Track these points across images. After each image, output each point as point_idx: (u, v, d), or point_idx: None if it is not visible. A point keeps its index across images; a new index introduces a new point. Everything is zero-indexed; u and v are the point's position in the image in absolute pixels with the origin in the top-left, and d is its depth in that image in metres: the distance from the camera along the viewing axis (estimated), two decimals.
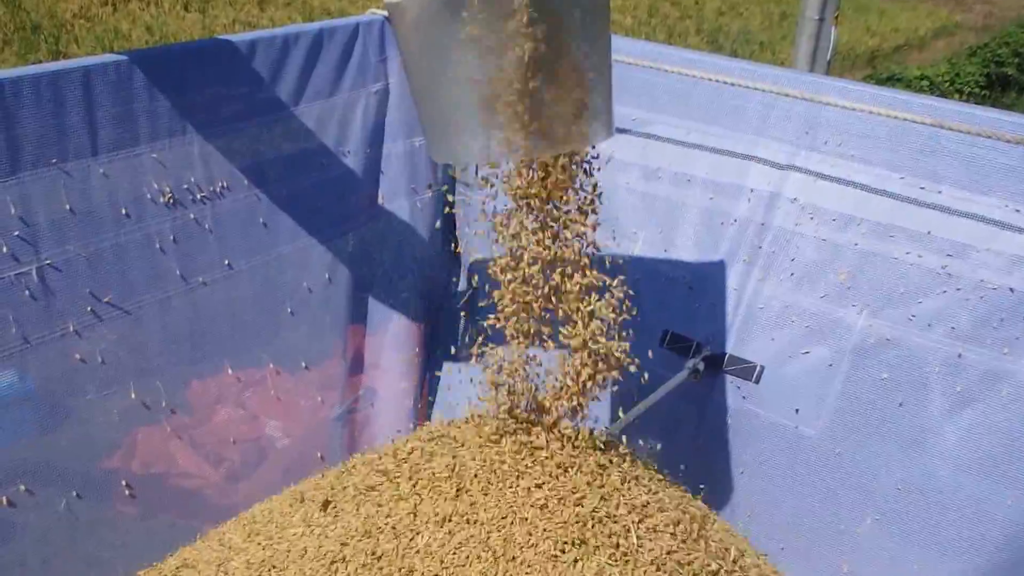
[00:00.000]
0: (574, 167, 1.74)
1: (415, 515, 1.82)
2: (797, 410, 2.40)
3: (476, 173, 2.14)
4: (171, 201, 2.19)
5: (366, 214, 2.72)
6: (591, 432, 2.05)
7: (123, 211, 2.10)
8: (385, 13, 2.58)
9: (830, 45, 7.01)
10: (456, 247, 2.95)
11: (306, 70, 2.46)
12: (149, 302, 2.20)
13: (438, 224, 2.89)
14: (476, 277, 1.97)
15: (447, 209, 2.90)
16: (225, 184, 2.30)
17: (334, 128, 2.57)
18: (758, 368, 2.44)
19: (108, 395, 2.16)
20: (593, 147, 1.74)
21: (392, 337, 2.88)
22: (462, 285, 2.95)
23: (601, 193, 1.87)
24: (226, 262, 2.35)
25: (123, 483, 2.22)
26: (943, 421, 2.21)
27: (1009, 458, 2.14)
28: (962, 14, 20.81)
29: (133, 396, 2.20)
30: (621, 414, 2.23)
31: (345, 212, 2.65)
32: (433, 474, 1.90)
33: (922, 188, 2.27)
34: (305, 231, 2.53)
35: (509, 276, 1.89)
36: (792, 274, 2.41)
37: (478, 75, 1.40)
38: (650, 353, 2.15)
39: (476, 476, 1.87)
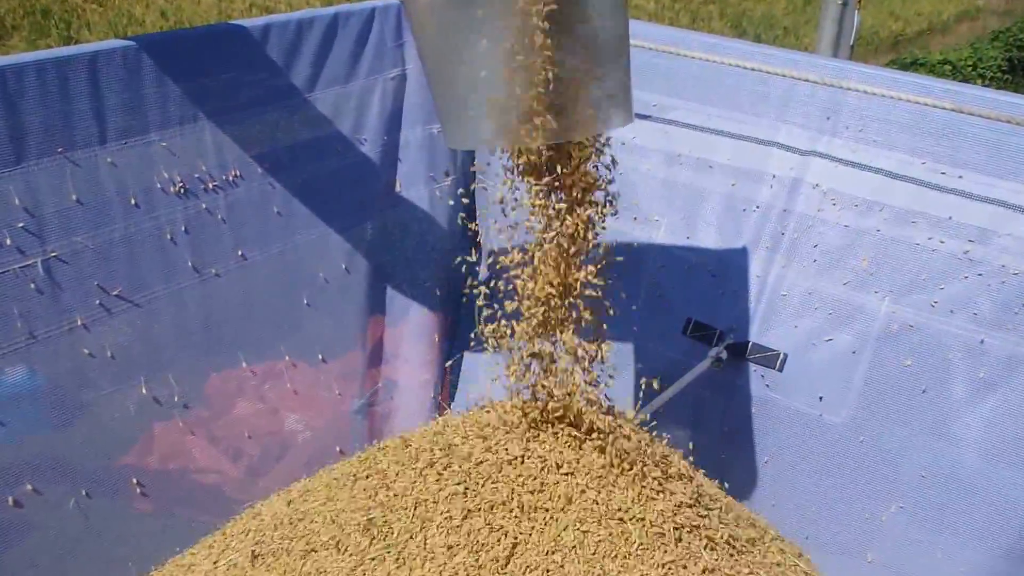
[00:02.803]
0: (589, 152, 1.73)
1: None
2: (821, 398, 2.39)
3: (499, 157, 2.14)
4: (182, 191, 2.18)
5: (384, 202, 2.71)
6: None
7: (132, 201, 2.08)
8: None
9: (853, 29, 6.96)
10: (477, 235, 2.94)
11: (321, 56, 2.44)
12: (160, 295, 2.18)
13: (460, 216, 2.88)
14: (496, 265, 1.96)
15: (466, 199, 2.90)
16: (239, 173, 2.29)
17: (350, 115, 2.56)
18: (781, 356, 2.43)
19: (119, 390, 2.13)
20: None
21: (412, 327, 2.87)
22: (483, 274, 2.95)
23: (612, 180, 1.85)
24: (240, 252, 2.34)
25: (137, 480, 2.19)
26: (966, 407, 2.20)
27: None
28: None
29: (144, 391, 2.17)
30: (644, 403, 2.23)
31: (362, 200, 2.64)
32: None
33: (943, 173, 2.25)
34: (322, 220, 2.52)
35: (527, 260, 1.87)
36: (815, 260, 2.40)
37: (493, 60, 1.39)
38: (670, 343, 2.14)
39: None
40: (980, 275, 2.19)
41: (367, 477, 1.98)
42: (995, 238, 2.18)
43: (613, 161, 1.77)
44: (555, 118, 1.41)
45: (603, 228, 1.82)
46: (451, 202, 2.85)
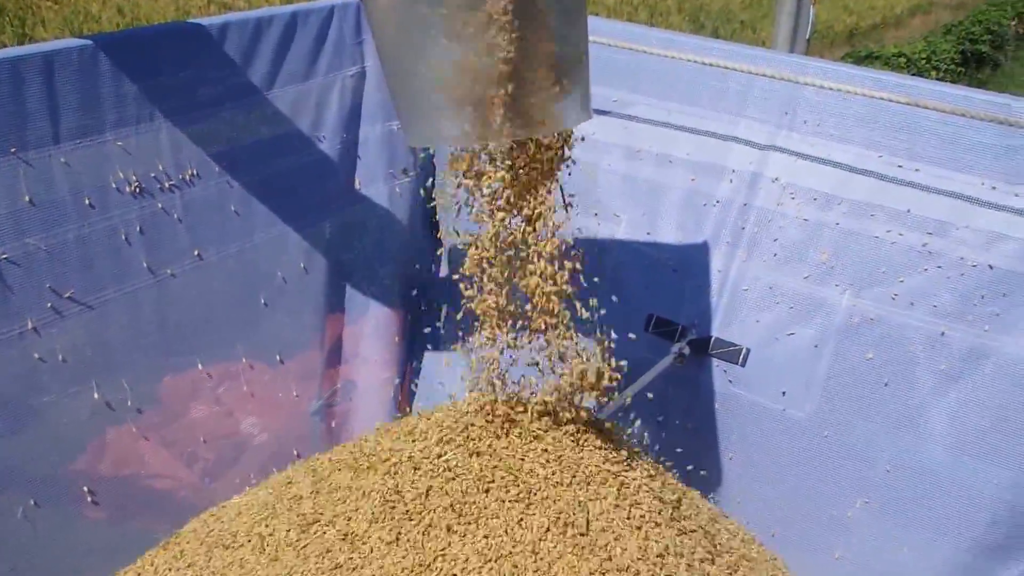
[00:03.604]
0: (550, 151, 1.72)
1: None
2: (784, 392, 2.39)
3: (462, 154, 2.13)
4: (138, 190, 2.14)
5: (343, 200, 2.68)
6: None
7: (86, 201, 2.04)
8: None
9: (809, 23, 7.03)
10: (438, 232, 2.92)
11: (280, 53, 2.41)
12: (114, 296, 2.13)
13: (431, 204, 2.84)
14: (459, 262, 1.95)
15: (427, 196, 2.87)
16: (195, 172, 2.26)
17: (309, 112, 2.53)
18: (744, 351, 2.44)
19: (71, 395, 2.08)
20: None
21: (372, 326, 2.84)
22: (444, 271, 2.93)
23: (570, 173, 1.85)
24: (196, 252, 2.30)
25: (88, 487, 2.15)
26: (929, 400, 2.22)
27: (995, 436, 2.15)
28: None
29: (97, 396, 2.13)
30: (608, 400, 2.23)
31: (321, 198, 2.61)
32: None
33: (900, 167, 2.27)
34: (279, 218, 2.49)
35: (483, 256, 1.87)
36: (775, 255, 2.40)
37: (453, 57, 1.37)
38: (632, 336, 2.14)
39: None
40: (939, 267, 2.21)
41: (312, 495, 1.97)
42: (953, 230, 2.20)
43: (571, 160, 1.76)
44: (515, 116, 1.40)
45: (561, 226, 1.81)
46: (411, 199, 2.83)
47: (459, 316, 2.00)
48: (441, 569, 1.70)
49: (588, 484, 1.86)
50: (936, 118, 2.22)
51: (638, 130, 2.59)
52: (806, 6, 7.14)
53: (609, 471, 1.92)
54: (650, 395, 2.31)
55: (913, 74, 11.30)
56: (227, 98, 2.31)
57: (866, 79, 2.31)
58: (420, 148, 2.82)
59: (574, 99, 1.49)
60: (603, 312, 1.99)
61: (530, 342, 1.96)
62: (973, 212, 2.19)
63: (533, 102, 1.41)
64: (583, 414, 2.01)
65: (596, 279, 1.98)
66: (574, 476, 1.87)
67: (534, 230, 1.81)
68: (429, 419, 2.04)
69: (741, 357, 2.44)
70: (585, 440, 1.98)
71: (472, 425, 1.96)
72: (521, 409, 1.99)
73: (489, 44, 1.35)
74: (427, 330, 2.91)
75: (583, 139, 1.92)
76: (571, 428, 1.97)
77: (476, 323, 1.97)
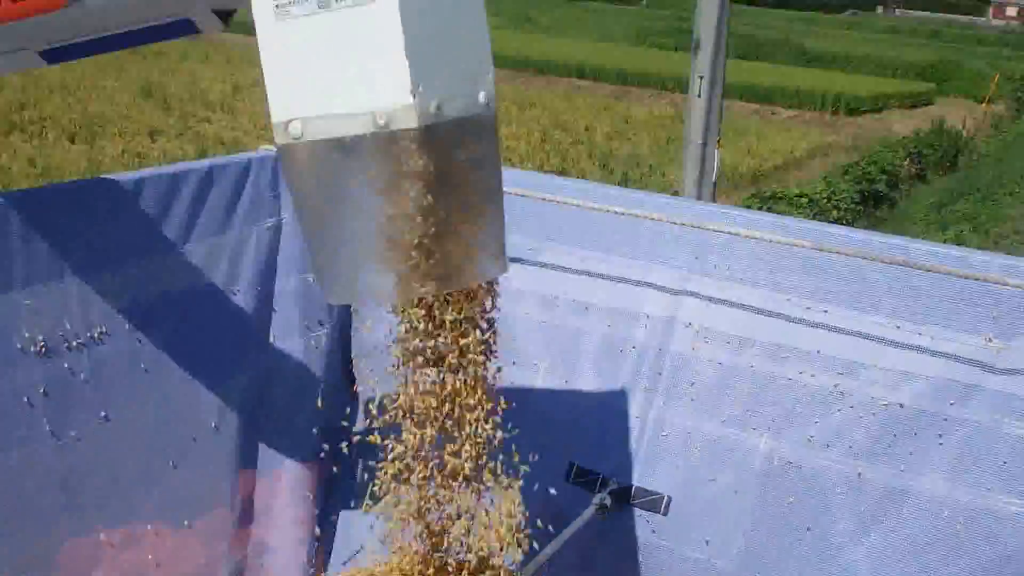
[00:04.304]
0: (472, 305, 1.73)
1: None
2: (707, 541, 2.37)
3: (374, 309, 2.13)
4: (43, 350, 2.07)
5: (258, 354, 2.64)
6: None
7: None
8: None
9: (715, 167, 7.34)
10: (354, 384, 2.88)
11: (196, 207, 2.40)
12: (13, 461, 2.03)
13: (345, 361, 2.82)
14: (375, 415, 1.92)
15: (344, 348, 2.85)
16: (104, 329, 2.20)
17: (224, 265, 2.51)
18: (665, 499, 2.42)
19: None
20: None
21: (285, 483, 2.75)
22: (360, 425, 2.87)
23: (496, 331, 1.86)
24: (103, 413, 2.22)
25: None
26: (851, 543, 2.22)
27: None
28: (833, 135, 22.20)
29: None
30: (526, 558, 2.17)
31: (235, 353, 2.57)
32: None
33: (809, 308, 2.33)
34: (191, 375, 2.43)
35: (403, 409, 1.85)
36: (692, 399, 2.43)
37: (371, 214, 1.39)
38: (553, 491, 2.11)
39: None
40: (852, 408, 2.25)
41: None
42: (863, 370, 2.26)
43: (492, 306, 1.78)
44: (435, 270, 1.41)
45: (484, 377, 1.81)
46: (327, 351, 2.80)
47: (378, 471, 1.95)
48: None
49: None
50: (840, 260, 2.30)
51: (553, 278, 2.63)
52: (711, 151, 7.49)
53: None
54: (572, 551, 2.27)
55: (815, 213, 11.83)
56: (140, 253, 2.28)
57: (771, 225, 2.39)
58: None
59: (492, 250, 1.52)
60: (524, 463, 1.97)
61: (452, 497, 1.92)
62: (881, 351, 2.25)
63: (453, 255, 1.43)
64: (503, 574, 1.96)
65: (516, 429, 1.97)
66: None
67: (456, 381, 1.80)
68: None
69: (663, 506, 2.42)
70: None
71: None
72: (443, 569, 1.93)
73: (408, 199, 1.37)
74: (344, 486, 2.83)
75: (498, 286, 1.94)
76: None
77: (396, 478, 1.92)
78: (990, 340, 2.15)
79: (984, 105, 27.76)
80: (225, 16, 1.64)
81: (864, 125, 24.50)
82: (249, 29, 1.39)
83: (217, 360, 2.51)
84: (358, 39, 1.33)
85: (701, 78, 8.23)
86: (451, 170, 1.41)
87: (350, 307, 2.87)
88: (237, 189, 2.53)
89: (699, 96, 8.28)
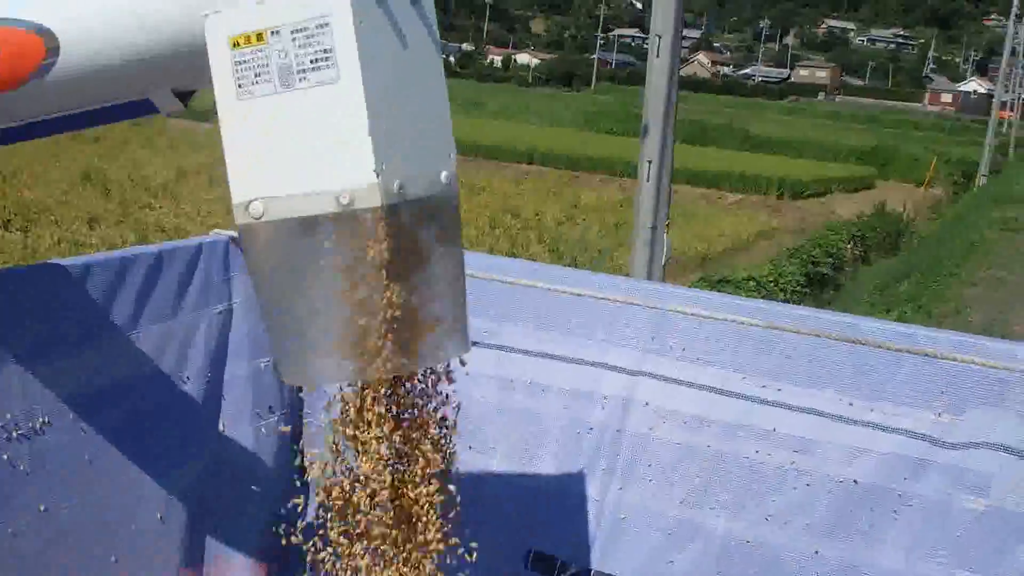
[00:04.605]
0: (427, 385, 1.74)
1: None
2: None
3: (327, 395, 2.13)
4: None
5: (207, 443, 2.60)
6: None
7: None
8: (231, 233, 2.59)
9: (664, 251, 7.46)
10: (305, 473, 2.85)
11: (144, 293, 2.38)
12: None
13: (293, 448, 2.78)
14: (326, 505, 1.90)
15: (295, 437, 2.82)
16: (47, 419, 2.15)
17: (173, 352, 2.48)
18: None
19: None
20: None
21: None
22: (311, 515, 2.83)
23: (458, 411, 1.87)
24: (42, 507, 2.15)
25: None
26: None
27: None
28: (778, 218, 22.78)
29: None
30: None
31: (183, 442, 2.52)
32: None
33: (764, 387, 2.38)
34: (137, 466, 2.38)
35: (352, 500, 1.83)
36: (651, 480, 2.44)
37: (331, 293, 1.41)
38: None
39: None
40: (808, 485, 2.29)
41: None
42: (817, 448, 2.30)
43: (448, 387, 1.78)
44: (396, 350, 1.43)
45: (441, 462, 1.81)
46: (278, 440, 2.77)
47: (328, 563, 1.93)
48: None
49: None
50: (793, 339, 2.35)
51: (510, 360, 2.65)
52: (660, 235, 7.63)
53: None
54: None
55: (762, 296, 12.04)
56: (86, 340, 2.25)
57: (725, 305, 2.45)
58: (289, 386, 2.80)
59: (454, 331, 1.54)
60: (482, 550, 1.96)
61: None
62: (835, 429, 2.30)
63: (413, 336, 1.45)
64: None
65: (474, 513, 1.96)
66: None
67: (412, 468, 1.79)
68: None
69: None
70: None
71: None
72: None
73: (369, 278, 1.39)
74: None
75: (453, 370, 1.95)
76: None
77: (347, 569, 1.90)
78: (940, 415, 2.21)
79: (923, 188, 28.74)
80: (185, 97, 1.65)
81: (808, 208, 25.18)
82: (194, 114, 1.42)
83: (164, 449, 2.46)
84: (322, 118, 1.36)
85: (650, 162, 8.44)
86: (413, 249, 1.44)
87: (301, 393, 2.86)
88: (188, 273, 2.52)
89: (648, 180, 8.48)
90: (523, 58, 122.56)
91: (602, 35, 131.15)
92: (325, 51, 1.34)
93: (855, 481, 2.24)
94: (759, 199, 26.03)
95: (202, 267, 2.56)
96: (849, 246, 18.32)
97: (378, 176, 1.35)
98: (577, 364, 2.58)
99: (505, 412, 2.64)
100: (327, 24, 1.33)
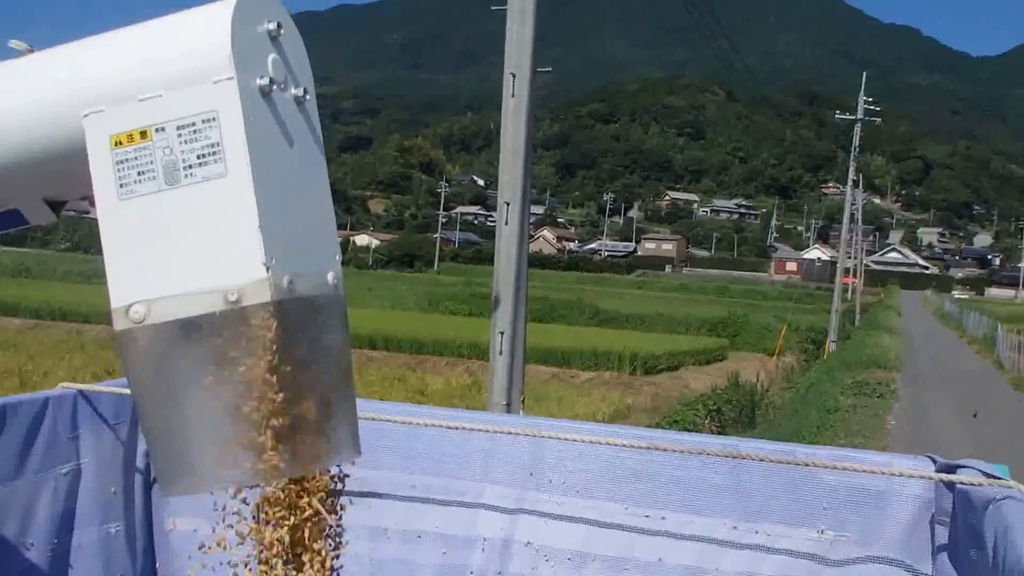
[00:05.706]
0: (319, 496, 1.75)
1: None
2: None
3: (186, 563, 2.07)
4: None
5: None
6: None
7: None
8: (79, 387, 2.55)
9: None
10: None
11: None
12: None
13: None
14: None
15: None
16: None
17: (15, 517, 2.38)
18: None
19: None
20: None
21: None
22: None
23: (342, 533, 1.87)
24: None
25: None
26: None
27: None
28: (632, 395, 23.40)
29: None
30: None
31: None
32: None
33: (647, 516, 2.47)
34: None
35: None
36: None
37: (217, 396, 1.41)
38: None
39: None
40: None
41: None
42: (705, 575, 2.39)
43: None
44: (286, 454, 1.44)
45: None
46: None
47: None
48: None
49: None
50: (673, 464, 2.46)
51: (381, 507, 2.65)
52: (516, 410, 7.76)
53: None
54: None
55: None
56: None
57: (604, 431, 2.56)
58: (139, 555, 2.71)
59: (345, 433, 1.56)
60: None
61: None
62: (721, 554, 2.40)
63: (304, 439, 1.46)
64: None
65: None
66: None
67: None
68: None
69: None
70: None
71: None
72: None
73: (257, 378, 1.41)
74: None
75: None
76: None
77: None
78: (822, 532, 2.35)
79: (774, 358, 30.19)
80: (57, 207, 1.62)
81: (662, 383, 25.99)
82: None
83: None
84: (208, 214, 1.38)
85: (502, 334, 8.65)
86: (301, 349, 1.46)
87: (158, 563, 2.77)
88: (32, 430, 2.45)
89: (500, 354, 8.65)
90: (362, 239, 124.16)
91: (444, 213, 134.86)
92: (212, 146, 1.38)
93: None
94: (612, 375, 26.71)
95: (48, 423, 2.50)
96: (706, 422, 18.92)
97: (268, 270, 1.37)
98: (454, 506, 2.60)
99: (378, 565, 2.61)
100: (214, 119, 1.38)
